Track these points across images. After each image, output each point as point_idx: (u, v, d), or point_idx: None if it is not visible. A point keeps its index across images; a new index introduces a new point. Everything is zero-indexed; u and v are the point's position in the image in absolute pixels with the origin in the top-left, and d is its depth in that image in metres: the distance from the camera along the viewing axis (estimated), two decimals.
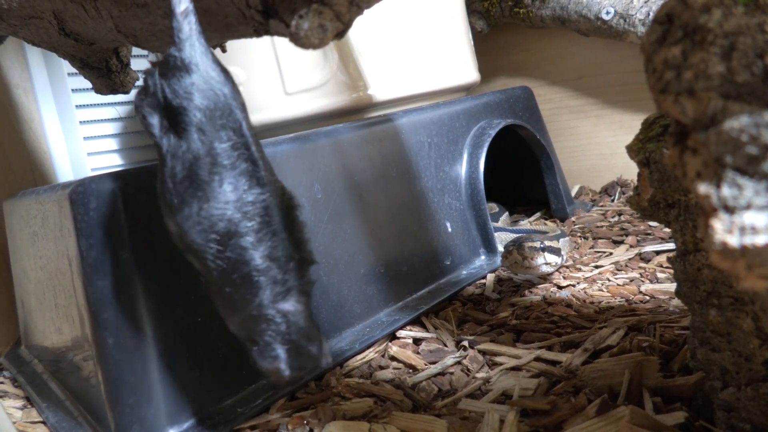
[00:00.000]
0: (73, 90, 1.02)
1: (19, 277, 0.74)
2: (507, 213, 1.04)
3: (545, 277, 0.75)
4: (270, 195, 0.40)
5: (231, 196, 0.39)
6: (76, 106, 1.03)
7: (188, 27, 0.40)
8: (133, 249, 0.50)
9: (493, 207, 1.02)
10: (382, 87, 0.87)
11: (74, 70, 0.69)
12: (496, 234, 0.88)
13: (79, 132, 1.03)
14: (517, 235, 0.84)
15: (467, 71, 0.99)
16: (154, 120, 0.40)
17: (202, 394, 0.52)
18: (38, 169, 0.99)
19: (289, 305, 0.41)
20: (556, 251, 0.73)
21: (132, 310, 0.50)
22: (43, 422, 0.59)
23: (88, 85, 0.71)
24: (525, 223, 1.05)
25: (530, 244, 0.71)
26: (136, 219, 0.50)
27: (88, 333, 0.50)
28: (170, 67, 0.39)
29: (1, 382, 0.71)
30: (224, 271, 0.39)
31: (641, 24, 0.97)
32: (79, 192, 0.49)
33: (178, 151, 0.39)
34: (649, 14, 0.96)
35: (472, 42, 1.03)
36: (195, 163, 0.39)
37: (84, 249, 0.49)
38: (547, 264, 0.71)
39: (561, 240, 0.77)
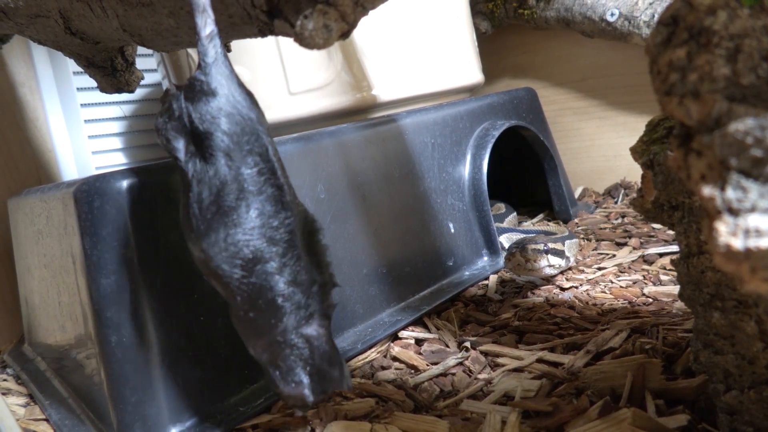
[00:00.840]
0: (78, 89, 1.02)
1: (23, 275, 0.74)
2: (514, 213, 1.03)
3: (548, 279, 0.75)
4: (294, 219, 0.40)
5: (257, 222, 0.39)
6: (81, 104, 1.03)
7: (214, 51, 0.39)
8: (137, 247, 0.50)
9: (501, 207, 1.02)
10: (386, 87, 0.87)
11: (79, 69, 0.69)
12: (504, 234, 0.88)
13: (84, 130, 1.03)
14: (524, 235, 0.84)
15: (471, 72, 0.99)
16: (180, 144, 0.40)
17: (204, 393, 0.52)
18: (43, 167, 0.99)
19: (312, 330, 0.41)
20: (559, 253, 0.73)
21: (135, 308, 0.50)
22: (46, 419, 0.59)
23: (93, 83, 0.71)
24: (528, 225, 1.05)
25: (533, 246, 0.71)
26: (139, 217, 0.50)
27: (92, 331, 0.51)
28: (196, 91, 0.39)
29: (5, 380, 0.72)
30: (249, 297, 0.39)
31: (646, 26, 0.96)
32: (84, 190, 0.50)
33: (205, 177, 0.39)
34: (653, 16, 0.96)
35: (476, 43, 1.03)
36: (222, 189, 0.38)
37: (88, 247, 0.49)
38: (550, 266, 0.71)
39: (567, 242, 0.77)
